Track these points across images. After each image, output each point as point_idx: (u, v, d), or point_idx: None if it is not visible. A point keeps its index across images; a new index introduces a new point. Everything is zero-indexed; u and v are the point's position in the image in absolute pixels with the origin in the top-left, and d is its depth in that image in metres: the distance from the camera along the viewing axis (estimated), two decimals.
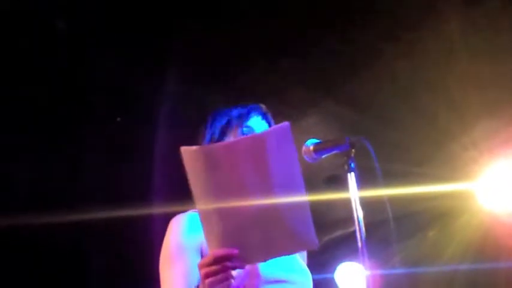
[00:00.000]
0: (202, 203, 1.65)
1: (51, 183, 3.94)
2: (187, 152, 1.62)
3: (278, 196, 1.64)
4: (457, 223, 4.01)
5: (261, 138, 1.63)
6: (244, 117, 2.14)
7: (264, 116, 2.21)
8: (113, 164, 4.04)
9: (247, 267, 1.92)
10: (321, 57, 3.74)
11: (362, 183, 1.89)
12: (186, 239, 1.97)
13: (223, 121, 2.16)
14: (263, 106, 2.24)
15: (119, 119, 3.90)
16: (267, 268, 1.95)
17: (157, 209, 3.72)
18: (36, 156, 3.89)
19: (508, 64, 3.54)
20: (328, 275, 4.33)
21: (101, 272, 4.29)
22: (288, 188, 1.64)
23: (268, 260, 1.80)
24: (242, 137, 1.65)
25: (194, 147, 1.63)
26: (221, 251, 1.63)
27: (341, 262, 4.39)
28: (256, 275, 1.92)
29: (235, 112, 2.19)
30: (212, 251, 1.64)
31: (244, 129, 2.12)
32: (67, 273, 4.24)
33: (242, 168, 1.62)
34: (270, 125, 2.22)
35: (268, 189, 1.63)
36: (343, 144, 1.92)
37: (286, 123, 1.62)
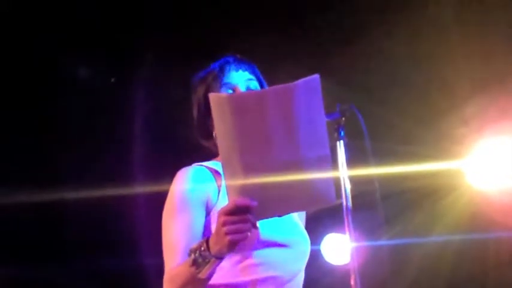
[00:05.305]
0: (226, 150, 1.60)
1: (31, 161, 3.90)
2: (215, 97, 1.59)
3: (302, 150, 1.60)
4: (446, 202, 4.00)
5: (290, 89, 1.57)
6: (219, 76, 2.04)
7: (242, 66, 2.08)
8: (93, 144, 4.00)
9: None
10: (310, 32, 3.71)
11: (352, 160, 1.87)
12: (191, 192, 1.92)
13: (203, 87, 2.07)
14: (237, 56, 2.11)
15: (113, 79, 3.84)
16: (265, 230, 1.89)
17: (137, 189, 3.67)
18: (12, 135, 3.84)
19: (498, 41, 3.51)
20: (314, 246, 4.30)
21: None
22: (313, 142, 1.61)
23: (283, 215, 1.77)
24: (272, 87, 1.62)
25: (224, 94, 1.66)
26: (243, 200, 1.58)
27: (327, 233, 4.35)
28: (253, 237, 1.85)
29: (211, 72, 2.08)
30: (233, 199, 1.60)
31: (223, 88, 2.02)
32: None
33: (269, 118, 1.58)
34: (254, 73, 2.11)
35: (293, 142, 1.60)
36: (333, 111, 1.90)
37: (316, 76, 1.58)
